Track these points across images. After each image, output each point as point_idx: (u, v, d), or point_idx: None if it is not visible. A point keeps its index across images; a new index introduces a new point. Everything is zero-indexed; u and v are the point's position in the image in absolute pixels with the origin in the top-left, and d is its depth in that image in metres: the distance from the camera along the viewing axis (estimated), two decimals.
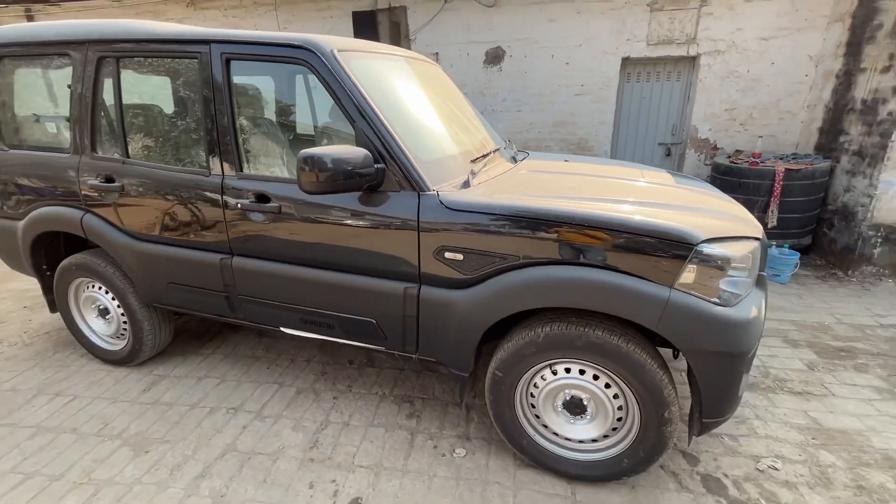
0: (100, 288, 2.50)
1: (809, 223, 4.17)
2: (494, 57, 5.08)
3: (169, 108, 2.14)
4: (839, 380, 2.47)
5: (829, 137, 4.20)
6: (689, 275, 1.46)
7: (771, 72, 4.52)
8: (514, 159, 2.42)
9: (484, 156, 2.15)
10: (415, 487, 1.80)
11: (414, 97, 2.13)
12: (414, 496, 1.76)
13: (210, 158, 2.00)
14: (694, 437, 1.68)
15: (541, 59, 4.97)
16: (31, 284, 3.82)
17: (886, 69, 3.57)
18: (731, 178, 4.20)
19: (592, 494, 1.77)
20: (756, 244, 1.61)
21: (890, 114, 3.49)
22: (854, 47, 3.95)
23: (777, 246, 3.88)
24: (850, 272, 3.83)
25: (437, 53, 5.20)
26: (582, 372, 1.69)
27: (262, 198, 1.92)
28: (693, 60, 4.71)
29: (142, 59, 2.07)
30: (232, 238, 2.04)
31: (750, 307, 1.51)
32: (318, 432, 2.11)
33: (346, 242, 1.83)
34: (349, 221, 1.79)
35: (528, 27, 4.88)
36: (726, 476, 1.85)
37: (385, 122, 1.72)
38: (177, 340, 2.88)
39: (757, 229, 1.72)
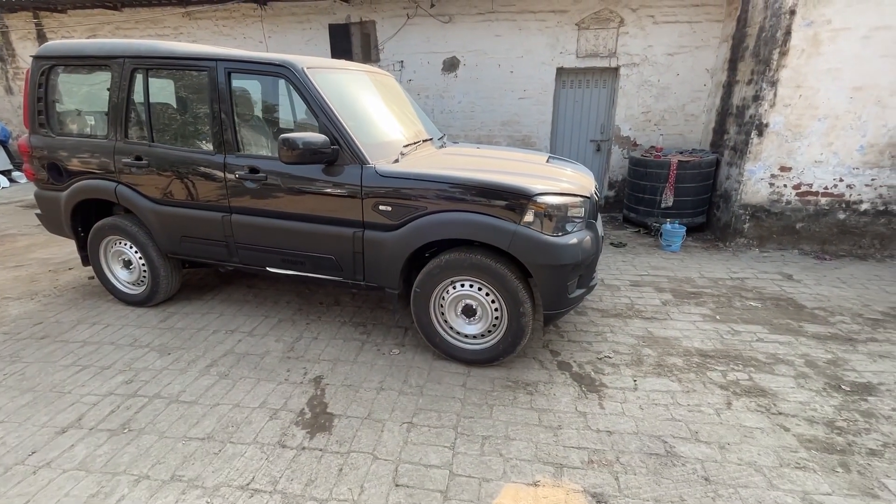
0: (125, 244, 3.26)
1: (702, 205, 5.12)
2: (451, 65, 5.92)
3: (184, 106, 2.92)
4: (680, 311, 3.37)
5: (718, 136, 5.16)
6: (529, 216, 2.31)
7: (677, 81, 5.47)
8: (442, 146, 3.26)
9: (415, 142, 2.99)
10: (360, 370, 2.63)
11: (365, 99, 2.96)
12: (359, 374, 2.59)
13: (215, 143, 2.79)
14: (543, 327, 2.54)
15: (490, 68, 5.83)
16: (52, 254, 4.52)
17: (749, 82, 4.52)
18: (641, 168, 5.12)
19: (480, 372, 2.61)
20: (581, 199, 2.48)
21: (751, 117, 4.44)
22: (733, 63, 4.91)
23: (670, 222, 4.81)
24: (727, 243, 4.78)
25: (402, 61, 6.02)
26: (471, 286, 2.54)
27: (253, 170, 2.72)
28: (615, 71, 5.63)
29: (165, 70, 2.85)
30: (231, 200, 2.83)
31: (571, 238, 2.38)
32: (295, 343, 2.92)
33: (313, 201, 2.64)
34: (315, 186, 2.60)
35: (478, 40, 5.75)
36: (575, 362, 2.71)
37: (339, 117, 2.54)
38: (182, 290, 3.64)
39: (586, 191, 2.58)
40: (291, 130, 3.02)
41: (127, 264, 3.33)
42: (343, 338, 2.99)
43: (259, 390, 2.43)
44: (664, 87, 5.51)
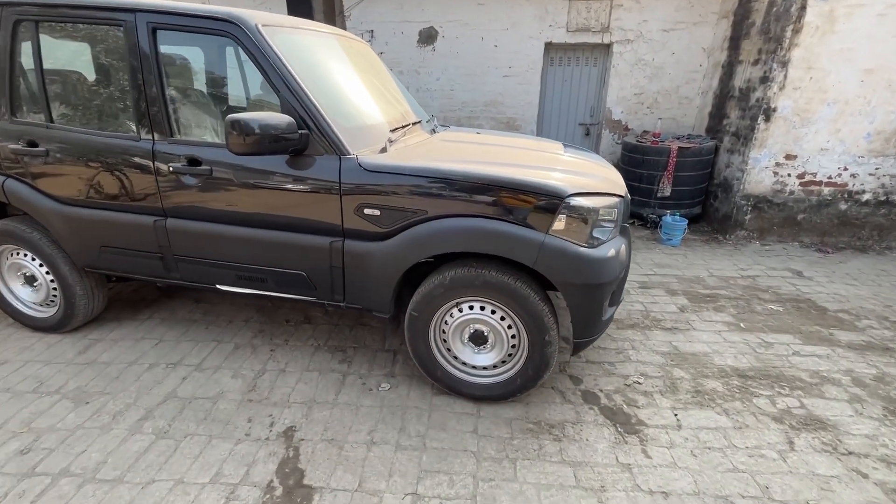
0: (24, 255, 2.51)
1: (699, 195, 4.82)
2: (428, 37, 5.27)
3: (95, 74, 2.20)
4: (701, 318, 3.02)
5: (716, 121, 4.85)
6: (559, 223, 1.82)
7: (672, 61, 5.09)
8: (433, 131, 2.69)
9: (403, 126, 2.41)
10: (343, 415, 2.08)
11: (339, 71, 2.33)
12: (342, 422, 2.04)
13: (139, 124, 2.10)
14: (570, 356, 2.09)
15: (472, 41, 5.23)
16: None
17: (756, 62, 4.19)
18: (637, 155, 4.74)
19: (493, 410, 2.14)
20: (617, 200, 2.01)
21: (758, 100, 4.12)
22: (735, 41, 4.57)
23: (671, 214, 4.48)
24: (727, 236, 4.52)
25: (371, 31, 5.31)
26: (482, 308, 2.03)
27: (193, 161, 2.06)
28: (607, 48, 5.18)
29: (63, 23, 2.10)
30: (165, 200, 2.16)
31: (609, 249, 1.91)
32: (256, 378, 2.33)
33: (275, 202, 2.03)
34: (278, 183, 1.99)
35: (458, 8, 5.12)
36: (601, 391, 2.29)
37: (307, 92, 1.92)
38: (111, 308, 2.93)
39: (620, 188, 2.11)
40: (244, 110, 2.36)
41: (30, 280, 2.59)
42: (318, 368, 2.42)
43: (211, 454, 1.85)
44: (658, 67, 5.12)
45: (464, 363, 2.16)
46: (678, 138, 4.82)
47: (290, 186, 1.98)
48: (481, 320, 2.05)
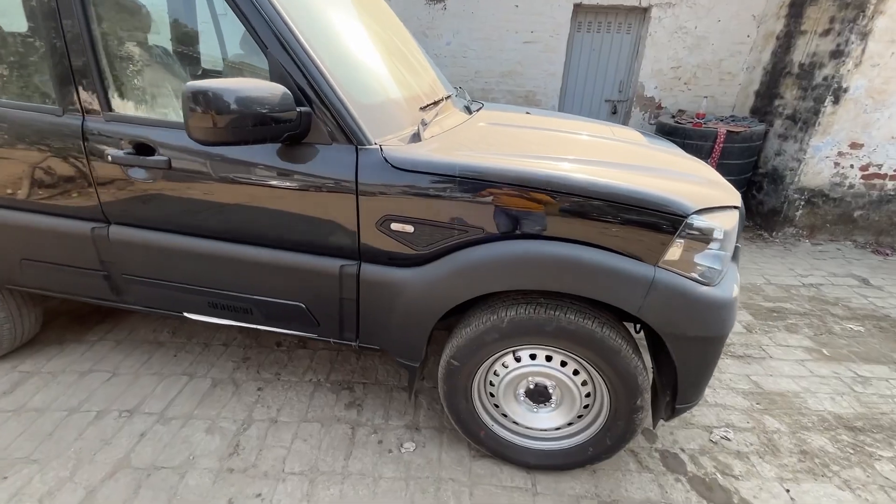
0: None
1: (742, 186, 4.30)
2: None
3: None
4: (774, 341, 2.55)
5: (765, 101, 4.28)
6: (675, 250, 1.27)
7: (716, 29, 4.46)
8: (468, 109, 2.08)
9: (435, 103, 1.80)
10: (358, 494, 1.56)
11: (350, 27, 1.69)
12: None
13: (61, 93, 1.46)
14: (662, 420, 1.58)
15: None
16: None
17: (826, 32, 3.60)
18: (675, 138, 4.16)
19: (553, 483, 1.63)
20: (737, 213, 1.46)
21: (826, 79, 3.56)
22: (797, 8, 3.95)
23: None
24: (774, 233, 4.03)
25: None
26: (549, 358, 1.50)
27: (142, 148, 1.44)
28: (645, 12, 4.52)
29: None
30: (105, 201, 1.54)
31: (731, 285, 1.37)
32: (240, 434, 1.78)
33: (262, 208, 1.43)
34: (266, 181, 1.39)
35: None
36: (683, 451, 1.80)
37: (310, 50, 1.30)
38: (51, 326, 2.32)
39: (736, 196, 1.57)
40: (220, 75, 1.73)
41: None
42: (320, 417, 1.88)
43: None
44: (701, 37, 4.49)
45: (515, 423, 1.65)
46: (721, 120, 4.25)
47: (282, 188, 1.39)
48: (545, 373, 1.52)
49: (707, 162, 4.00)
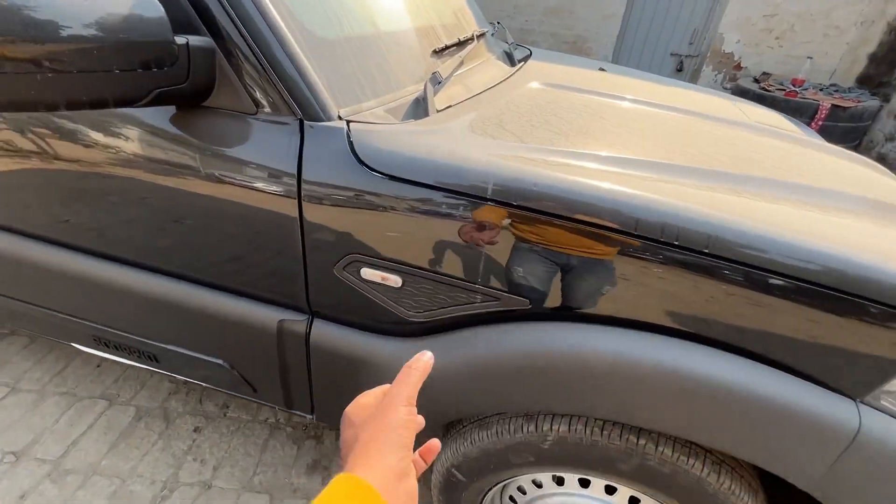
0: None
1: None
2: None
3: None
4: None
5: (882, 67, 3.37)
6: None
7: None
8: (509, 58, 1.38)
9: (459, 44, 1.11)
10: None
11: None
12: None
13: None
14: None
15: None
16: None
17: None
18: None
19: None
20: None
21: None
22: None
23: None
24: None
25: None
26: (610, 491, 0.93)
27: None
28: None
29: None
30: None
31: None
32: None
33: (148, 213, 0.83)
34: (148, 163, 0.78)
35: None
36: None
37: None
38: None
39: None
40: None
41: None
42: (269, 486, 1.37)
43: None
44: None
45: None
46: (822, 89, 3.38)
47: (173, 179, 0.77)
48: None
49: None
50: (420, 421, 0.39)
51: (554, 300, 0.72)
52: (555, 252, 0.68)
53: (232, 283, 0.89)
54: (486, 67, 1.18)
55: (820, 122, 3.10)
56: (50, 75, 0.54)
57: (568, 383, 0.72)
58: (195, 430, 1.51)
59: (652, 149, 0.88)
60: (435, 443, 0.46)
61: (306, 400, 1.01)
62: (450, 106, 0.88)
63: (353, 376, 0.89)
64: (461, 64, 1.02)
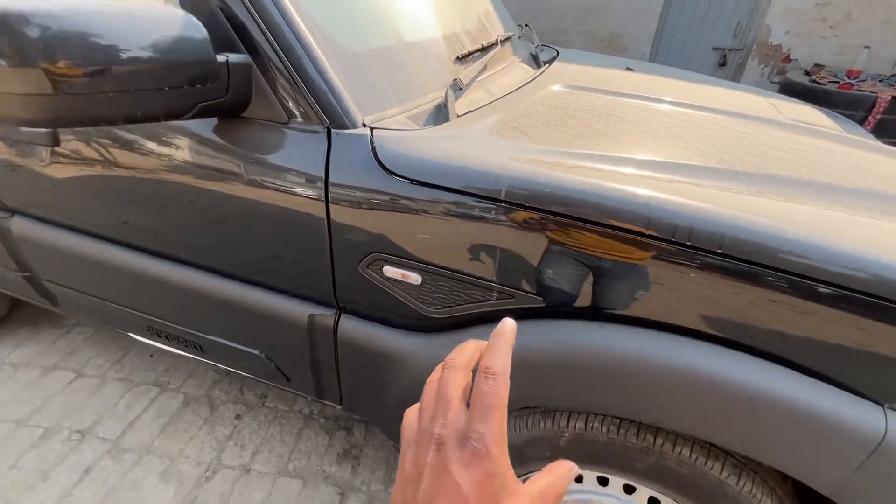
0: None
1: None
2: None
3: None
4: None
5: None
6: None
7: None
8: (535, 60, 1.39)
9: (483, 49, 1.14)
10: None
11: None
12: None
13: None
14: None
15: None
16: None
17: None
18: (809, 102, 3.15)
19: None
20: None
21: None
22: None
23: None
24: None
25: None
26: (629, 491, 0.93)
27: None
28: None
29: None
30: (1, 183, 1.09)
31: None
32: (200, 485, 1.39)
33: (194, 214, 0.92)
34: (187, 172, 0.86)
35: None
36: None
37: None
38: (30, 305, 2.03)
39: None
40: None
41: None
42: (303, 472, 1.45)
43: None
44: None
45: None
46: (881, 80, 3.16)
47: (210, 188, 0.85)
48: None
49: None
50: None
51: (569, 299, 0.74)
52: (566, 252, 0.70)
53: (268, 280, 0.96)
54: (510, 71, 1.20)
55: (878, 116, 2.89)
56: (111, 94, 0.61)
57: (588, 380, 0.73)
58: (236, 418, 1.61)
59: (670, 149, 0.88)
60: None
61: (335, 390, 1.07)
62: (470, 111, 0.91)
63: (377, 369, 0.94)
64: (484, 69, 1.05)
